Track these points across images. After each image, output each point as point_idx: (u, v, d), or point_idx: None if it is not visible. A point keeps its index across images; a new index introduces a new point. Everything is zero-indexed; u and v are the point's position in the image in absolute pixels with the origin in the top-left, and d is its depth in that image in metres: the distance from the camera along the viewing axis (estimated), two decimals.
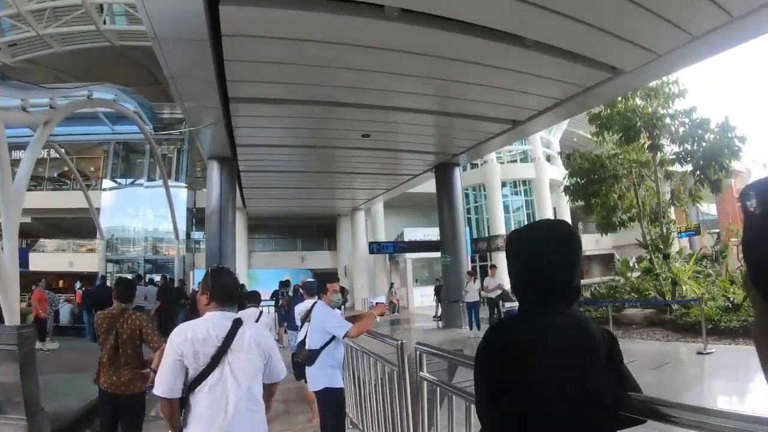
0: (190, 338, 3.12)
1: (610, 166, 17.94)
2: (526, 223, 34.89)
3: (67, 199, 30.36)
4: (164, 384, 3.06)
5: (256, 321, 6.63)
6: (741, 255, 12.86)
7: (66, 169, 36.94)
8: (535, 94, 13.03)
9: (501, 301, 15.40)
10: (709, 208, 39.98)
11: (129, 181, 31.41)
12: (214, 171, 17.02)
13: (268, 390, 3.45)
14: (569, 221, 29.74)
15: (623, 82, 12.39)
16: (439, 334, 18.35)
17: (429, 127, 15.69)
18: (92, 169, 38.04)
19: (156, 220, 30.02)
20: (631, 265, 21.80)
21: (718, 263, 20.32)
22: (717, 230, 33.53)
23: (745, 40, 10.24)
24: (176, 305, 17.49)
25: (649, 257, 18.88)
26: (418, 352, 4.27)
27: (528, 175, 39.19)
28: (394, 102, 13.28)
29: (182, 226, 28.80)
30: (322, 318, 5.35)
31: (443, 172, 20.93)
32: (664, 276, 16.83)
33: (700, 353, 10.98)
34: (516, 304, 8.08)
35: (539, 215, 37.64)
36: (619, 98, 17.04)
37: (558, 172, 39.16)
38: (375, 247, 23.89)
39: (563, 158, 18.59)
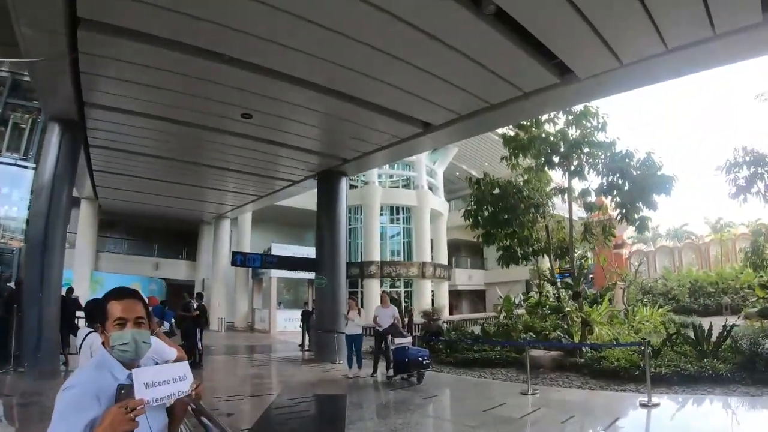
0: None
1: (527, 193, 16.21)
2: (401, 251, 33.92)
3: None
4: None
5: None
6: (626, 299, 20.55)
7: None
8: (457, 96, 11.76)
9: (390, 336, 12.85)
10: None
11: None
12: (54, 136, 13.92)
13: None
14: (446, 253, 28.89)
15: (530, 104, 11.81)
16: (308, 369, 15.29)
17: (324, 115, 13.34)
18: None
19: None
20: (517, 302, 21.30)
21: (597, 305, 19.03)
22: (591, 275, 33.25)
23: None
24: None
25: (548, 294, 18.96)
26: None
27: (410, 202, 38.53)
28: (287, 68, 10.87)
29: (23, 213, 24.64)
30: None
31: (328, 181, 18.62)
32: (575, 316, 15.75)
33: (644, 405, 9.17)
34: (408, 339, 13.09)
35: (416, 244, 37.06)
36: (536, 122, 16.30)
37: (440, 202, 38.89)
38: (239, 259, 20.83)
39: (471, 183, 16.62)
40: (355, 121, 13.46)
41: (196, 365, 14.64)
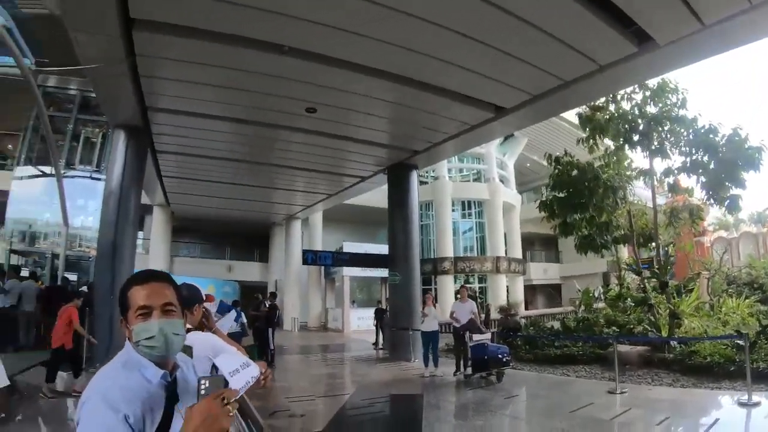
0: None
1: (605, 175, 15.37)
2: (475, 246, 33.20)
3: None
4: None
5: None
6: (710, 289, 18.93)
7: None
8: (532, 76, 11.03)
9: (468, 333, 12.29)
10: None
11: (40, 171, 27.52)
12: (120, 143, 14.03)
13: None
14: (520, 247, 27.93)
15: (606, 79, 10.94)
16: (382, 368, 14.87)
17: (392, 104, 12.80)
18: (10, 147, 35.74)
19: (73, 211, 26.06)
20: (596, 295, 20.19)
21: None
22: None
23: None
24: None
25: (629, 286, 17.81)
26: None
27: (481, 195, 37.78)
28: (350, 55, 10.44)
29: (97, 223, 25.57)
30: None
31: (398, 174, 18.03)
32: (663, 308, 14.83)
33: (743, 404, 8.37)
34: (487, 336, 12.45)
35: (490, 239, 36.26)
36: (613, 99, 15.46)
37: (512, 195, 38.17)
38: (310, 257, 20.79)
39: (549, 160, 15.95)
40: (424, 109, 12.91)
41: (268, 365, 14.46)
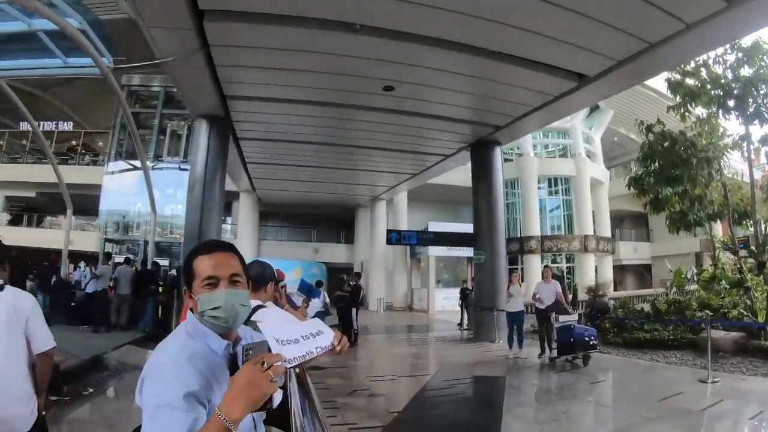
0: None
1: (700, 146, 14.60)
2: (562, 224, 32.28)
3: (73, 174, 29.55)
4: None
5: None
6: None
7: (74, 143, 39.97)
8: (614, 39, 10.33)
9: (554, 314, 11.96)
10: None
11: (130, 165, 30.17)
12: (202, 132, 14.71)
13: (39, 364, 3.34)
14: (608, 225, 26.80)
15: (693, 39, 10.11)
16: (465, 349, 14.66)
17: (470, 78, 12.35)
18: (100, 144, 39.44)
19: (163, 200, 27.97)
20: (689, 276, 19.03)
21: None
22: None
23: None
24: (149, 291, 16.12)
25: (724, 266, 16.70)
26: None
27: (567, 171, 36.52)
28: (424, 29, 10.18)
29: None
30: None
31: (481, 151, 17.56)
32: (760, 291, 13.84)
33: None
34: (574, 317, 11.88)
35: (577, 216, 35.21)
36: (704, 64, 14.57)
37: (599, 170, 37.01)
38: (395, 237, 20.74)
39: (640, 128, 15.25)
40: (503, 81, 12.46)
41: (351, 345, 14.74)
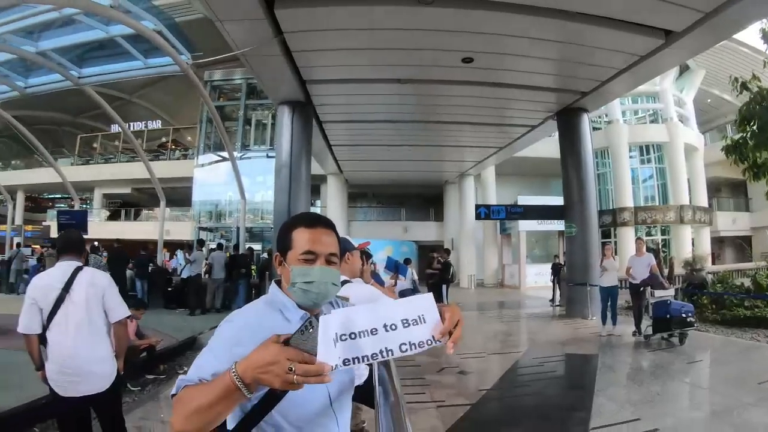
0: (38, 285, 4.03)
1: None
2: (656, 195, 30.81)
3: (165, 169, 33.01)
4: (21, 322, 3.96)
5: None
6: None
7: (164, 139, 43.35)
8: None
9: (650, 289, 11.53)
10: None
11: (218, 156, 31.78)
12: (285, 118, 15.19)
13: (114, 332, 4.21)
14: (705, 194, 25.35)
15: None
16: (557, 326, 14.40)
17: (551, 42, 11.89)
18: (189, 138, 41.98)
19: (253, 188, 29.41)
20: None
21: None
22: None
23: None
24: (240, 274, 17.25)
25: None
26: None
27: (660, 138, 34.43)
28: None
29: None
30: None
31: (568, 120, 17.01)
32: None
33: None
34: (670, 292, 11.24)
35: (672, 186, 33.60)
36: None
37: (693, 135, 35.18)
38: (483, 212, 20.51)
39: (735, 85, 14.22)
40: (586, 43, 11.93)
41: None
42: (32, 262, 22.70)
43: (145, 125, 39.95)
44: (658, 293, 11.15)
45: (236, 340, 1.64)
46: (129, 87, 38.15)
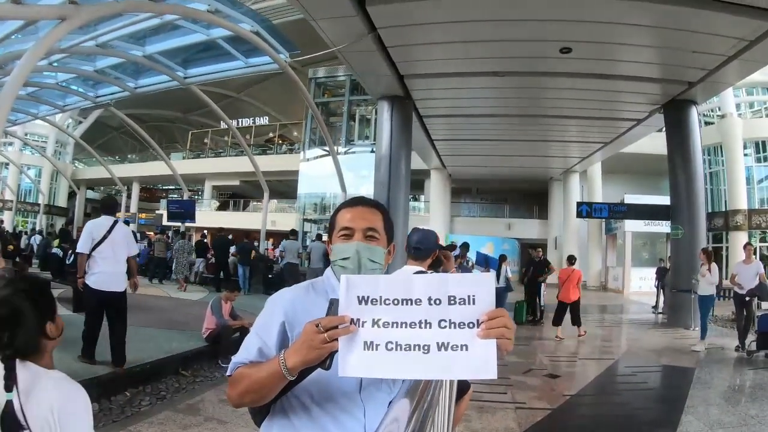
0: (93, 226, 7.02)
1: None
2: None
3: (272, 163, 35.77)
4: (80, 246, 6.88)
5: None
6: None
7: (271, 135, 45.72)
8: None
9: (756, 299, 10.70)
10: None
11: (323, 151, 32.01)
12: (384, 113, 15.71)
13: (128, 261, 7.23)
14: None
15: None
16: (656, 334, 13.70)
17: (653, 29, 11.28)
18: (295, 134, 43.81)
19: (357, 182, 29.29)
20: None
21: None
22: None
23: None
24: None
25: None
26: None
27: None
28: None
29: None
30: None
31: (675, 113, 15.98)
32: None
33: None
34: None
35: None
36: None
37: None
38: (585, 209, 19.90)
39: None
40: (690, 28, 11.10)
41: (536, 322, 14.88)
42: (142, 246, 23.86)
43: (252, 121, 42.15)
44: (766, 305, 10.34)
45: (272, 321, 1.79)
46: (236, 86, 40.54)
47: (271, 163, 34.92)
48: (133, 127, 27.18)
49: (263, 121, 42.76)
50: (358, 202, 1.96)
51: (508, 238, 33.54)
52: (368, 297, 1.45)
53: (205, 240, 22.59)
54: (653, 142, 22.97)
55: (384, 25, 10.67)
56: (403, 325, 1.42)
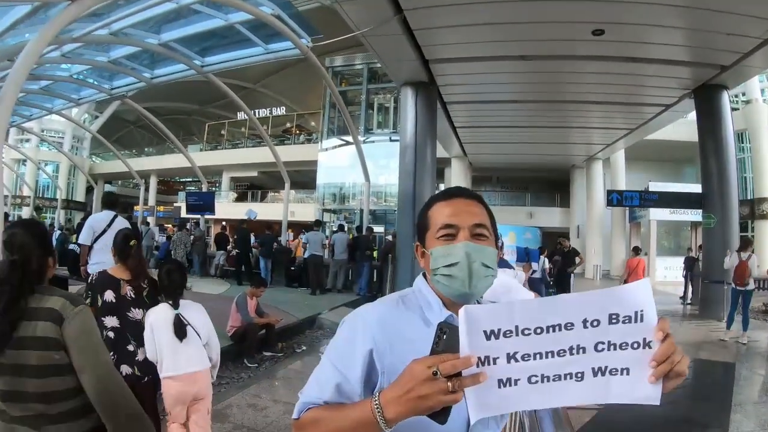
0: (94, 220, 7.50)
1: None
2: None
3: (290, 153, 35.21)
4: (82, 238, 7.44)
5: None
6: None
7: (288, 125, 45.92)
8: None
9: None
10: None
11: (342, 140, 31.97)
12: (408, 99, 15.17)
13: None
14: None
15: None
16: (688, 327, 13.22)
17: (687, 10, 10.83)
18: (313, 123, 44.23)
19: (376, 171, 28.94)
20: None
21: None
22: None
23: None
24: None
25: None
26: None
27: None
28: None
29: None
30: None
31: (706, 98, 15.40)
32: None
33: None
34: None
35: None
36: None
37: None
38: (615, 197, 19.51)
39: None
40: (723, 8, 10.64)
41: None
42: (162, 238, 24.23)
43: (270, 112, 41.82)
44: None
45: (356, 343, 1.40)
46: (253, 76, 40.72)
47: (288, 153, 34.57)
48: (150, 119, 27.08)
49: (280, 111, 42.67)
50: (456, 193, 1.54)
51: (530, 227, 33.02)
52: (499, 330, 1.13)
53: (226, 232, 22.35)
54: (676, 129, 22.64)
55: (410, 7, 10.39)
56: (549, 354, 1.14)
